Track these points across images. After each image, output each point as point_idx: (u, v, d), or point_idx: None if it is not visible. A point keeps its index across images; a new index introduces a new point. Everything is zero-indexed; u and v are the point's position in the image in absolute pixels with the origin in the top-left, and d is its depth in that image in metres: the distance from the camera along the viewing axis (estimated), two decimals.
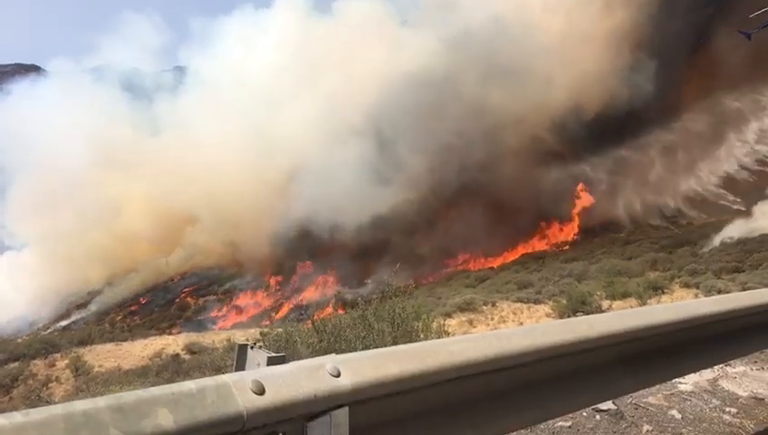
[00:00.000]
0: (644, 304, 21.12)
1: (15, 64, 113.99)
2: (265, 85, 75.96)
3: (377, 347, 8.41)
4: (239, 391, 1.40)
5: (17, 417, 1.11)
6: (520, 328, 2.26)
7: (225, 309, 60.07)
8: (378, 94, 65.92)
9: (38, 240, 79.87)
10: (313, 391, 1.53)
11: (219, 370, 16.78)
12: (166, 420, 1.26)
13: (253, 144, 71.54)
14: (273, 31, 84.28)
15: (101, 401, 1.22)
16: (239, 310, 59.40)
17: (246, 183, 68.89)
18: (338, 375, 1.60)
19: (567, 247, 50.59)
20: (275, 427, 1.49)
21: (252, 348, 1.78)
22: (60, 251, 74.42)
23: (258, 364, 1.72)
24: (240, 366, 1.78)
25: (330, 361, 1.63)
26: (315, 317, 9.91)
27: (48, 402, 24.53)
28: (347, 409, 1.58)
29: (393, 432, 1.79)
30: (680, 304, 2.99)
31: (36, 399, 26.44)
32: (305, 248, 65.09)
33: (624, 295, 22.77)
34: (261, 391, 1.43)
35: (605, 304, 21.74)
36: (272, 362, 1.66)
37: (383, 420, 1.76)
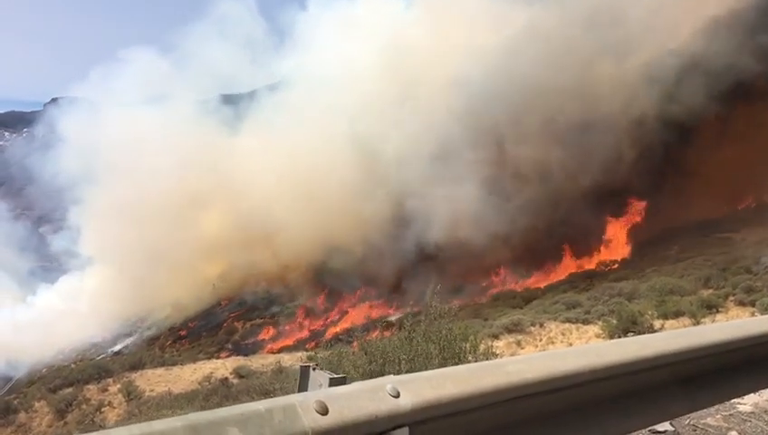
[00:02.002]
0: (698, 323, 20.56)
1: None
2: (363, 89, 71.83)
3: (425, 369, 8.44)
4: (304, 411, 1.46)
5: None
6: (575, 348, 2.26)
7: (272, 332, 60.57)
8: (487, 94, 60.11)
9: (105, 260, 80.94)
10: (374, 412, 1.57)
11: (268, 394, 16.93)
12: None
13: (352, 161, 67.76)
14: (367, 25, 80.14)
15: (177, 422, 1.28)
16: (286, 333, 59.83)
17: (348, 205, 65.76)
18: (397, 396, 1.64)
19: (616, 266, 49.56)
20: None
21: (314, 370, 1.83)
22: (127, 271, 75.11)
23: (320, 385, 1.77)
24: (303, 387, 1.83)
25: (389, 381, 1.67)
26: (363, 339, 9.93)
27: (101, 427, 25.03)
28: (407, 429, 1.62)
29: None
30: (736, 323, 2.94)
31: (90, 423, 27.03)
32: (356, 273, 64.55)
33: (677, 314, 22.22)
34: (324, 412, 1.48)
35: (657, 323, 21.23)
36: (333, 382, 1.72)
37: None
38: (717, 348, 2.66)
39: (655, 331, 20.32)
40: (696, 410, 2.80)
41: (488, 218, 55.31)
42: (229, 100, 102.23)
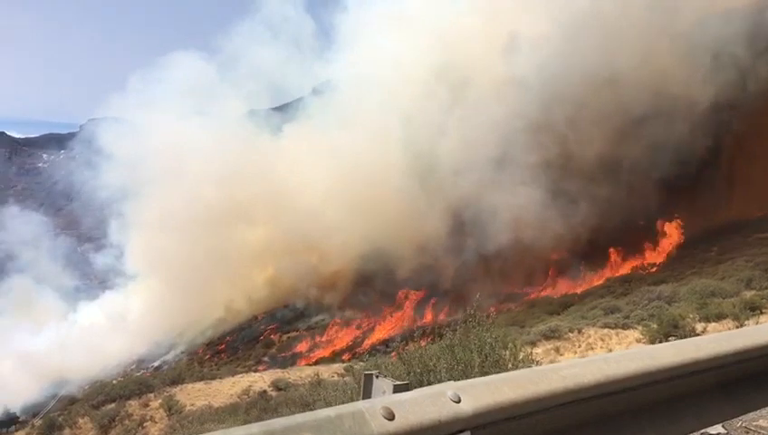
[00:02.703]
0: (741, 325, 20.13)
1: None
2: (414, 89, 68.70)
3: (465, 378, 8.38)
4: (372, 416, 1.51)
5: None
6: (628, 352, 2.28)
7: (308, 344, 60.77)
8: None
9: (148, 275, 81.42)
10: (438, 417, 1.62)
11: (307, 406, 17.03)
12: None
13: (404, 165, 65.20)
14: (415, 21, 76.01)
15: (255, 428, 1.35)
16: (323, 345, 60.01)
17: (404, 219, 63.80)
18: (458, 401, 1.68)
19: (654, 269, 48.73)
20: None
21: (377, 377, 1.89)
22: (170, 286, 75.19)
23: (384, 392, 1.83)
24: (367, 394, 1.89)
25: (450, 387, 1.72)
26: (400, 349, 9.92)
27: None
28: (468, 433, 1.66)
29: None
30: None
31: None
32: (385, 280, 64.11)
33: (719, 317, 21.77)
34: (391, 417, 1.54)
35: (699, 326, 20.84)
36: (397, 389, 1.77)
37: None
38: None
39: (697, 334, 19.94)
40: (750, 411, 2.78)
41: (552, 222, 53.73)
42: (275, 104, 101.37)
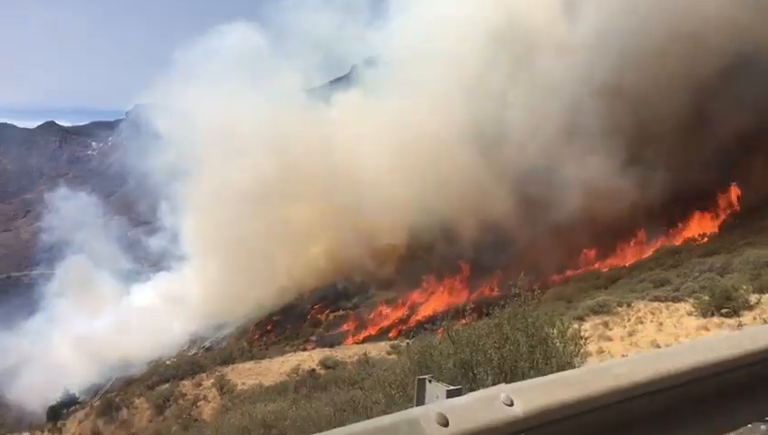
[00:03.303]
0: None
1: None
2: (476, 58, 64.85)
3: (513, 357, 8.40)
4: (426, 423, 1.55)
5: None
6: (683, 345, 2.26)
7: (355, 323, 61.32)
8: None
9: (200, 256, 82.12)
10: (490, 421, 1.64)
11: (354, 384, 17.25)
12: None
13: (467, 138, 62.20)
14: None
15: None
16: (370, 323, 60.52)
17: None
18: (511, 404, 1.70)
19: (705, 240, 47.62)
20: None
21: (429, 382, 1.92)
22: (222, 266, 75.88)
23: (437, 396, 1.86)
24: (420, 399, 1.93)
25: (502, 390, 1.74)
26: (448, 327, 9.93)
27: (197, 421, 26.18)
28: None
29: None
30: None
31: (187, 417, 28.28)
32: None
33: None
34: (445, 423, 1.57)
35: (753, 298, 20.37)
36: (450, 394, 1.80)
37: None
38: None
39: (751, 306, 19.50)
40: None
41: (624, 192, 51.97)
42: (330, 75, 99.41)
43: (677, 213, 53.41)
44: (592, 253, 55.92)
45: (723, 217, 52.05)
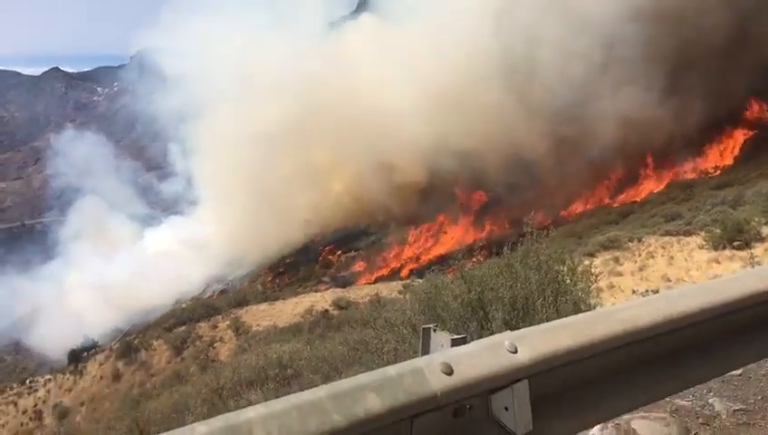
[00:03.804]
0: None
1: None
2: None
3: (524, 295, 8.46)
4: (431, 373, 1.57)
5: (261, 409, 1.33)
6: (688, 288, 2.27)
7: (368, 263, 61.70)
8: None
9: (214, 198, 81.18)
10: (495, 368, 1.67)
11: (366, 324, 17.53)
12: (374, 403, 1.46)
13: (497, 70, 59.18)
14: None
15: (322, 391, 1.43)
16: (381, 263, 60.94)
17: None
18: (515, 351, 1.72)
19: (718, 172, 47.14)
20: (463, 401, 1.65)
21: (434, 331, 1.95)
22: (236, 208, 74.74)
23: (442, 345, 1.89)
24: (426, 348, 1.95)
25: (506, 338, 1.76)
26: (460, 266, 9.96)
27: (214, 362, 26.82)
28: (527, 382, 1.71)
29: (572, 398, 1.90)
30: None
31: (205, 358, 28.96)
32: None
33: None
34: (450, 372, 1.59)
35: (765, 230, 20.32)
36: (455, 343, 1.83)
37: (561, 387, 1.88)
38: None
39: (763, 238, 19.47)
40: None
41: (662, 121, 50.05)
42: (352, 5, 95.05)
43: (715, 141, 52.43)
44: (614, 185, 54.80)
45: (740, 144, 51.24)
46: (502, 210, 57.78)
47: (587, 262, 14.87)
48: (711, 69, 49.53)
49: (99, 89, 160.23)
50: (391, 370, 1.54)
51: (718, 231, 20.30)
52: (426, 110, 62.50)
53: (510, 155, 57.27)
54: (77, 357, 40.97)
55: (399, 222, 65.17)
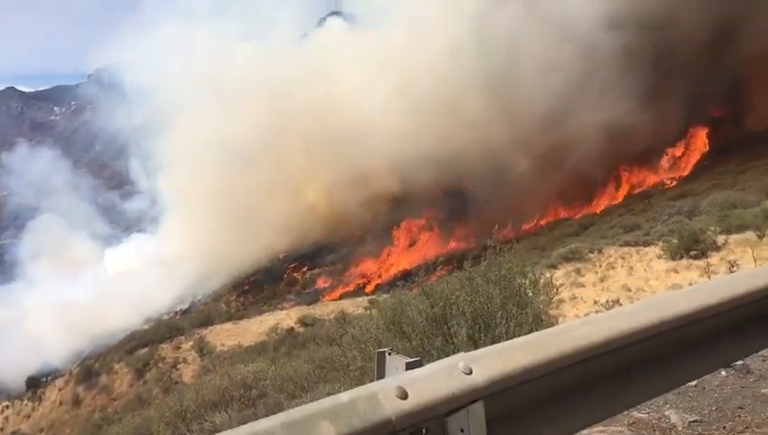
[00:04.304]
0: (763, 235, 20.07)
1: None
2: None
3: (487, 310, 8.49)
4: (386, 398, 1.57)
5: None
6: (640, 303, 2.31)
7: (332, 279, 61.36)
8: None
9: (175, 217, 78.93)
10: (450, 390, 1.67)
11: (332, 341, 17.44)
12: (328, 431, 1.44)
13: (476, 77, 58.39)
14: None
15: (277, 420, 1.42)
16: (345, 280, 60.69)
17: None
18: (470, 373, 1.73)
19: (673, 184, 48.26)
20: (419, 425, 1.65)
21: (389, 354, 1.94)
22: (198, 225, 72.91)
23: (397, 368, 1.88)
24: (381, 372, 1.95)
25: (461, 359, 1.76)
26: (423, 281, 9.97)
27: (178, 383, 26.35)
28: (482, 403, 1.72)
29: (527, 418, 1.91)
30: None
31: (168, 380, 28.44)
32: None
33: (740, 228, 21.72)
34: (404, 396, 1.59)
35: (720, 239, 20.82)
36: (410, 366, 1.82)
37: (516, 407, 1.89)
38: None
39: (719, 247, 19.94)
40: (763, 349, 2.82)
41: (643, 127, 50.24)
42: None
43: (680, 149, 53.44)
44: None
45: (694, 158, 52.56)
46: (472, 222, 57.79)
47: (549, 274, 15.06)
48: (690, 75, 50.53)
49: (56, 108, 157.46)
50: (345, 396, 1.53)
51: (675, 241, 20.75)
52: (401, 118, 61.94)
53: (487, 165, 57.16)
54: (36, 383, 39.87)
55: (369, 235, 64.76)
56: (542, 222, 53.74)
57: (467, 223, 58.26)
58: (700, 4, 48.45)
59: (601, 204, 51.70)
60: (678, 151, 53.47)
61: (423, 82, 61.51)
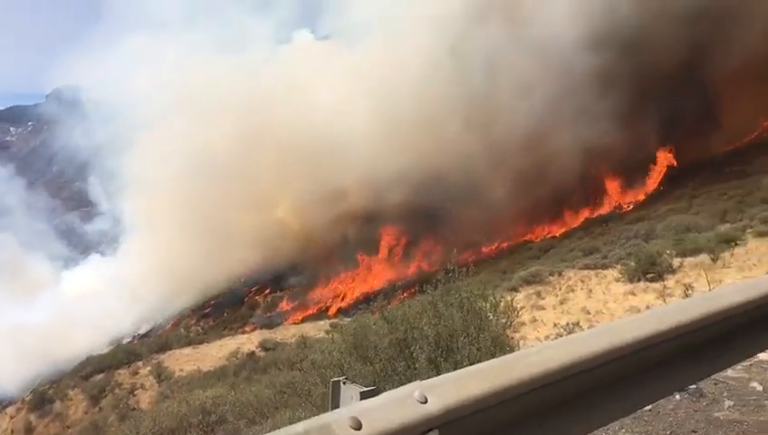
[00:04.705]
0: (716, 258, 20.59)
1: None
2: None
3: (448, 334, 8.50)
4: (339, 428, 1.54)
5: None
6: (595, 329, 2.34)
7: (293, 304, 60.84)
8: None
9: (135, 239, 77.26)
10: (405, 420, 1.65)
11: (294, 365, 17.26)
12: None
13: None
14: None
15: None
16: (308, 303, 60.21)
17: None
18: (425, 401, 1.71)
19: (630, 208, 49.32)
20: None
21: (344, 383, 1.92)
22: (159, 247, 71.38)
23: (352, 398, 1.86)
24: (335, 402, 1.92)
25: (417, 388, 1.75)
26: (385, 305, 10.00)
27: (135, 410, 25.76)
28: (437, 432, 1.70)
29: None
30: (746, 284, 3.00)
31: (124, 407, 27.78)
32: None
33: (695, 252, 22.27)
34: (358, 426, 1.56)
35: (676, 262, 21.30)
36: (364, 395, 1.80)
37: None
38: (735, 310, 2.72)
39: (674, 270, 20.40)
40: (718, 371, 2.87)
41: (622, 149, 51.32)
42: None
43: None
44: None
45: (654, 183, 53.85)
46: (441, 243, 57.80)
47: (510, 297, 15.18)
48: (665, 96, 51.78)
49: (12, 128, 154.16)
50: (298, 427, 1.50)
51: (633, 264, 21.18)
52: (376, 135, 61.77)
53: (462, 185, 57.19)
54: None
55: (336, 256, 64.21)
56: (504, 245, 54.26)
57: (437, 243, 58.34)
58: (672, 28, 50.12)
59: (573, 223, 52.29)
60: (642, 174, 54.73)
61: (401, 100, 61.38)
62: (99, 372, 33.58)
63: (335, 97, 67.01)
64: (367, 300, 39.98)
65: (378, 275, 60.23)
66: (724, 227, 27.10)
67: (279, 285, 65.44)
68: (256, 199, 68.98)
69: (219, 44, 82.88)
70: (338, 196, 63.48)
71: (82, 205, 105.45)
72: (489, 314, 9.30)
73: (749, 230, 25.67)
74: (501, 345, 8.47)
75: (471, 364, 1.97)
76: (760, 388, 4.00)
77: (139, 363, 32.45)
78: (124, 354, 35.52)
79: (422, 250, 59.71)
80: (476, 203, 55.79)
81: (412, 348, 8.32)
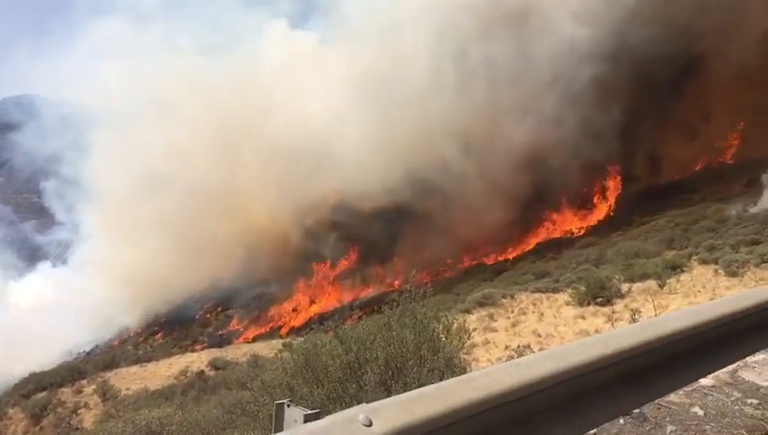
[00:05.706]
0: (663, 284, 21.11)
1: None
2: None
3: (401, 355, 8.48)
4: None
5: None
6: (541, 353, 2.36)
7: (245, 322, 60.01)
8: None
9: (87, 249, 75.04)
10: None
11: (243, 385, 16.97)
12: None
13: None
14: None
15: None
16: (259, 322, 59.49)
17: None
18: (370, 425, 1.71)
19: (582, 233, 50.34)
20: None
21: (288, 406, 1.90)
22: (113, 256, 69.41)
23: (296, 421, 1.84)
24: (279, 425, 1.90)
25: (361, 411, 1.74)
26: (338, 325, 9.91)
27: (78, 430, 24.93)
28: None
29: None
30: (689, 311, 3.09)
31: (67, 426, 26.86)
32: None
33: (643, 277, 22.78)
34: None
35: (624, 287, 21.75)
36: (308, 418, 1.79)
37: None
38: (674, 337, 2.79)
39: (623, 295, 20.80)
40: (661, 396, 2.93)
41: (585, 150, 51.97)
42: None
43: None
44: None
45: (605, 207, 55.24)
46: (402, 262, 57.73)
47: (463, 319, 15.26)
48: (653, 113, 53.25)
49: None
50: None
51: (583, 288, 21.53)
52: (355, 146, 61.43)
53: (447, 201, 57.06)
54: None
55: (296, 272, 63.39)
56: (461, 265, 54.66)
57: (399, 262, 58.29)
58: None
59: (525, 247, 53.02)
60: (596, 199, 56.06)
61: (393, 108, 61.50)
62: (41, 390, 32.47)
63: (326, 103, 66.39)
64: (321, 320, 39.74)
65: (332, 294, 60.02)
66: (671, 254, 27.86)
67: (232, 301, 64.39)
68: (224, 210, 67.66)
69: (194, 38, 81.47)
70: (313, 208, 62.79)
71: (37, 215, 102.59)
72: (442, 335, 9.33)
73: (694, 257, 26.46)
74: (453, 367, 8.49)
75: (421, 386, 1.98)
76: (701, 413, 4.10)
77: (84, 381, 31.51)
78: (68, 372, 34.43)
79: (385, 269, 59.76)
80: (458, 220, 56.07)
81: (364, 369, 8.27)
